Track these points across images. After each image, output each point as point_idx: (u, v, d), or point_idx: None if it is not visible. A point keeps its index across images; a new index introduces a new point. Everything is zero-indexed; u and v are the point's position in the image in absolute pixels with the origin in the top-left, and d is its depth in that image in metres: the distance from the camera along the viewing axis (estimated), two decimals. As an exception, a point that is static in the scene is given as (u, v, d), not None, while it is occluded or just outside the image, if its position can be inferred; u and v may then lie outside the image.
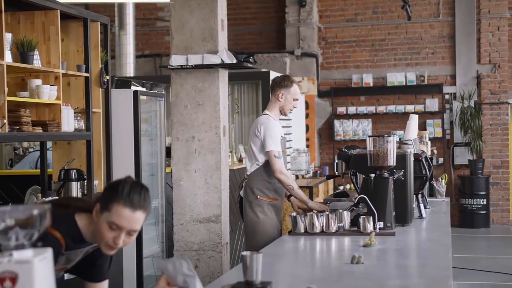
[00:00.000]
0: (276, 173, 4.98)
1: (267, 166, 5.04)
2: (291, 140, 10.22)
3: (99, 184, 5.72)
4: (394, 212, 4.27)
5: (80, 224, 2.64)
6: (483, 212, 12.00)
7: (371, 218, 4.11)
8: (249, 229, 5.15)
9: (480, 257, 9.65)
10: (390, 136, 4.32)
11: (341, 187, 9.98)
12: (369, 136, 4.37)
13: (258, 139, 5.05)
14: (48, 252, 1.74)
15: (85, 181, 5.45)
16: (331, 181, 10.63)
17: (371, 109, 12.55)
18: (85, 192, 5.47)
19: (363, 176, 4.45)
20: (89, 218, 2.63)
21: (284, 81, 5.18)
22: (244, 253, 2.67)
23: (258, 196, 5.09)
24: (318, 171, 10.49)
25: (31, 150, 8.13)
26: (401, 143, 5.03)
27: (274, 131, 5.03)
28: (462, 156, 12.32)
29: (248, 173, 5.20)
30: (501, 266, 8.77)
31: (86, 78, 5.48)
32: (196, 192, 5.62)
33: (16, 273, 1.67)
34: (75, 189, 5.27)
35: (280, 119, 6.60)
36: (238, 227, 7.45)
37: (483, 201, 11.96)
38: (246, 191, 5.16)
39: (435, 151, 11.44)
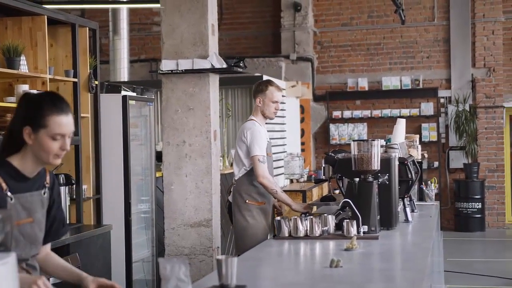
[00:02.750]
0: (259, 177, 5.05)
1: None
2: (286, 144, 10.24)
3: (87, 189, 5.74)
4: (378, 216, 4.28)
5: (15, 163, 2.68)
6: (478, 215, 12.00)
7: (355, 222, 4.12)
8: (238, 233, 5.19)
9: (475, 261, 9.66)
10: (374, 140, 4.34)
11: (337, 191, 9.97)
12: (354, 140, 4.39)
13: (244, 144, 5.15)
14: (11, 257, 1.75)
15: (74, 185, 5.47)
16: (325, 185, 10.63)
17: (367, 113, 12.56)
18: (74, 197, 5.49)
19: (348, 180, 4.46)
20: (20, 155, 2.68)
21: (259, 86, 5.28)
22: (219, 257, 2.69)
23: (247, 201, 5.15)
24: (313, 175, 10.50)
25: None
26: (387, 147, 5.04)
27: (259, 136, 5.11)
28: (457, 160, 12.32)
29: (236, 178, 5.26)
30: (496, 270, 8.77)
31: (75, 83, 5.50)
32: (187, 196, 5.62)
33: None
34: (63, 194, 5.28)
35: (272, 123, 6.61)
36: (230, 232, 7.46)
37: (478, 205, 11.97)
38: (234, 196, 5.22)
39: (426, 155, 11.44)
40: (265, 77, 8.94)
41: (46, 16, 5.11)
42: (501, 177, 12.37)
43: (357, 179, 4.31)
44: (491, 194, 12.32)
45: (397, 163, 4.60)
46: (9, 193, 2.62)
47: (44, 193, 2.78)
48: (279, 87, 5.36)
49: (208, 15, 5.61)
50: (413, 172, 4.95)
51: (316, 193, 9.74)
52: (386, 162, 4.45)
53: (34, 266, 2.77)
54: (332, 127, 12.67)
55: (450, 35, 12.44)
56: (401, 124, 5.48)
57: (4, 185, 2.61)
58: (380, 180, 4.39)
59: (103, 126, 6.01)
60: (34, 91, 2.74)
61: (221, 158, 8.11)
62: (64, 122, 2.65)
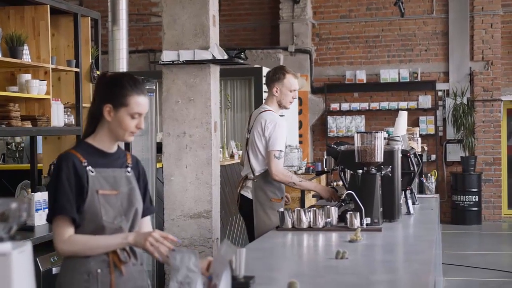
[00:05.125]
0: (273, 175, 4.82)
1: None
2: (284, 136, 10.22)
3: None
4: (381, 208, 4.28)
5: (92, 142, 2.85)
6: (475, 208, 12.04)
7: (358, 214, 4.13)
8: (261, 231, 4.96)
9: (471, 254, 9.70)
10: (377, 132, 4.34)
11: (334, 183, 9.99)
12: (357, 132, 4.38)
13: (264, 138, 4.89)
14: (28, 245, 1.75)
15: (75, 176, 5.45)
16: (323, 177, 10.65)
17: (364, 105, 12.58)
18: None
19: (351, 172, 4.47)
20: (94, 134, 2.85)
21: (276, 74, 5.01)
22: (228, 248, 2.68)
23: (272, 199, 4.96)
24: (311, 167, 10.50)
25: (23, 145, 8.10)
26: (390, 139, 5.04)
27: (281, 130, 4.88)
28: (455, 153, 12.36)
29: (256, 174, 4.99)
30: (492, 262, 8.82)
31: (77, 73, 5.48)
32: (187, 187, 5.62)
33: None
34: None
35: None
36: (229, 223, 7.47)
37: (475, 198, 12.01)
38: (257, 193, 4.98)
39: (426, 148, 11.48)
40: (265, 70, 8.93)
41: (48, 6, 5.09)
42: (498, 170, 12.40)
43: (360, 171, 4.31)
44: (488, 187, 12.36)
45: (400, 155, 4.60)
46: (89, 167, 2.77)
47: (128, 172, 2.90)
48: (296, 74, 5.13)
49: (210, 6, 5.59)
50: (415, 164, 4.96)
51: (314, 185, 9.74)
52: (389, 154, 4.45)
53: (135, 252, 2.86)
54: (330, 119, 12.68)
55: (449, 28, 12.45)
56: (403, 117, 5.48)
57: (83, 160, 2.76)
58: (383, 172, 4.39)
59: (104, 116, 5.99)
60: (109, 72, 2.87)
61: (221, 149, 8.10)
62: (143, 102, 2.83)
